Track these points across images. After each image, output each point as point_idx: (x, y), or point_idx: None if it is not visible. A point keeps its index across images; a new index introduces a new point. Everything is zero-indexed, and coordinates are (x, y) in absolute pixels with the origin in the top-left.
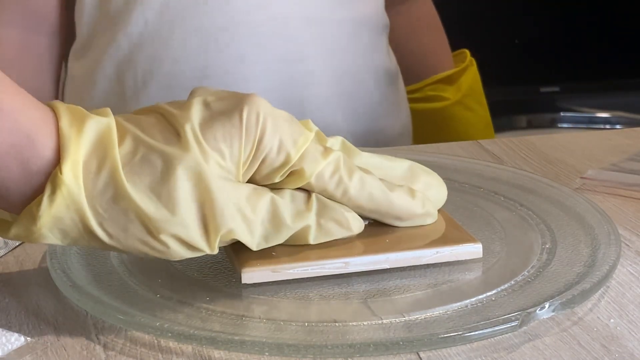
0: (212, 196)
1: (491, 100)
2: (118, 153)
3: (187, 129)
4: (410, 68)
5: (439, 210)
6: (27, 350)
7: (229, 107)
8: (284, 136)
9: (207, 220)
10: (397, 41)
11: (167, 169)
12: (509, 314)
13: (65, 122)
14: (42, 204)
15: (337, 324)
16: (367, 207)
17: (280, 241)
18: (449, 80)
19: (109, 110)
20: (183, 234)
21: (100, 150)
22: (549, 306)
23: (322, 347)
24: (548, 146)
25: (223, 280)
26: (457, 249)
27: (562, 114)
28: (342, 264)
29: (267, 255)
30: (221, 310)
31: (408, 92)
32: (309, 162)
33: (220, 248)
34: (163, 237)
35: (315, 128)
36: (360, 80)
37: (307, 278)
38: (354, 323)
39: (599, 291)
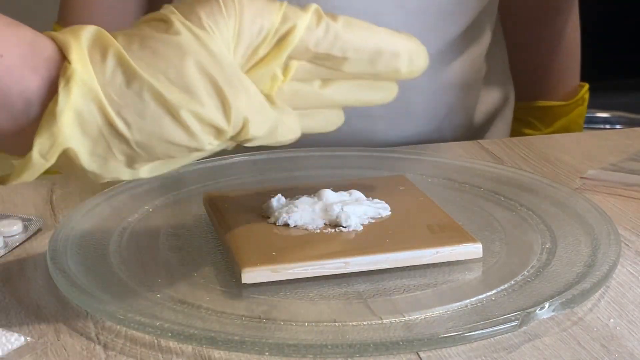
0: (220, 68)
1: None
2: (117, 42)
3: (172, 17)
4: (529, 84)
5: (439, 211)
6: (27, 350)
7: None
8: (263, 5)
9: (220, 92)
10: (531, 55)
11: (168, 50)
12: (509, 314)
13: (57, 33)
14: (60, 99)
15: (337, 324)
16: (363, 45)
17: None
18: (550, 112)
19: None
20: (201, 110)
21: (100, 43)
22: (549, 306)
23: (322, 347)
24: (548, 146)
25: (223, 280)
26: (457, 249)
27: None
28: (342, 264)
29: (267, 255)
30: (221, 310)
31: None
32: (294, 18)
33: (220, 248)
34: (183, 114)
35: None
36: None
37: (307, 278)
38: (354, 323)
39: (599, 291)
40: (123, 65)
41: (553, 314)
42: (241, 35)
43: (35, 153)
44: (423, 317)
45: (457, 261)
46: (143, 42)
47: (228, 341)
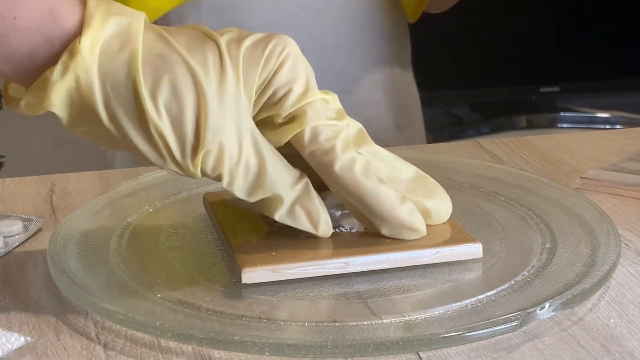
0: (209, 109)
1: (491, 100)
2: (141, 42)
3: (222, 42)
4: None
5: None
6: (27, 350)
7: (259, 37)
8: (299, 78)
9: (199, 131)
10: None
11: (178, 70)
12: (509, 314)
13: (92, 1)
14: (56, 70)
15: (337, 324)
16: (350, 192)
17: (258, 194)
18: None
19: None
20: (172, 132)
21: (125, 35)
22: (549, 306)
23: (322, 347)
24: (548, 146)
25: (223, 280)
26: (457, 249)
27: (562, 114)
28: (342, 264)
29: (267, 255)
30: (221, 310)
31: None
32: (312, 112)
33: (220, 248)
34: (152, 129)
35: (338, 105)
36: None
37: (307, 278)
38: (354, 323)
39: (599, 291)
40: (131, 70)
41: (553, 314)
42: (264, 92)
43: (22, 103)
44: (423, 317)
45: (457, 261)
46: (165, 53)
47: (228, 341)
